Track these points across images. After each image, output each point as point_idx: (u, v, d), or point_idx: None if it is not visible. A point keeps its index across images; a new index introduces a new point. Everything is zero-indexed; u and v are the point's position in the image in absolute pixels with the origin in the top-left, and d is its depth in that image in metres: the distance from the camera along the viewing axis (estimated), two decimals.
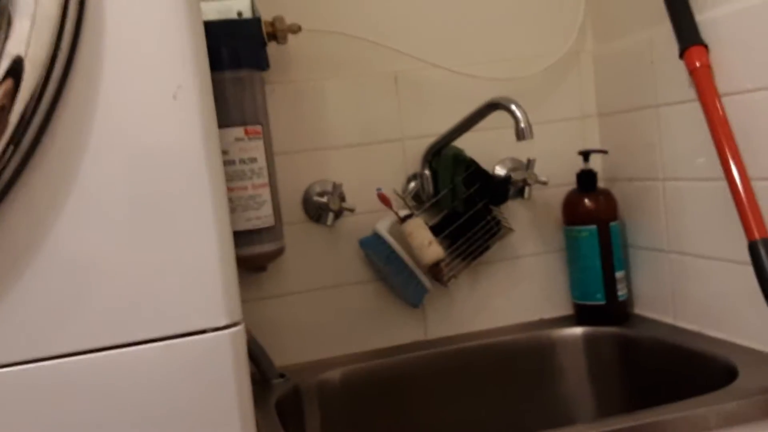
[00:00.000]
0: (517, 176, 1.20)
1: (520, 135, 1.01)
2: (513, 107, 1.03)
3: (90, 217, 0.57)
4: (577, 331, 1.21)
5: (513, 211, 1.24)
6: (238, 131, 1.02)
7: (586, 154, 1.22)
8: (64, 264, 0.56)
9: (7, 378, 0.57)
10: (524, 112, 1.02)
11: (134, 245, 0.58)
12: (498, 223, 1.19)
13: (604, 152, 1.25)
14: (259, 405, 0.98)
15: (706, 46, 1.00)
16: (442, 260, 1.12)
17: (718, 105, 0.98)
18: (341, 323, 1.19)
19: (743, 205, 0.93)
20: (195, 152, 0.58)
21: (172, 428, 0.59)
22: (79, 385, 0.59)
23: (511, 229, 1.20)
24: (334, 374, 1.12)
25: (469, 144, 1.18)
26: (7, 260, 0.55)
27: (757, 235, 0.91)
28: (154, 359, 0.60)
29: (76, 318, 0.58)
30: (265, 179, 1.04)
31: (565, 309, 1.27)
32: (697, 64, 1.00)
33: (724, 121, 0.98)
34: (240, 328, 0.63)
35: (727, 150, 0.96)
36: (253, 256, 1.05)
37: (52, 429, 0.57)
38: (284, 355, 1.14)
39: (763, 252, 0.90)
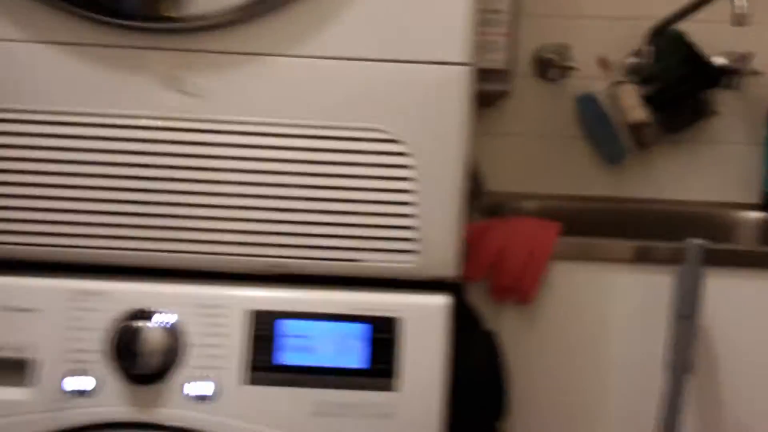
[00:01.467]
0: (732, 65, 1.31)
1: (735, 21, 1.09)
2: None
3: None
4: (758, 215, 1.30)
5: (723, 99, 1.34)
6: None
7: None
8: None
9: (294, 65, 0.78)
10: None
11: None
12: (705, 104, 1.31)
13: None
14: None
15: None
16: (645, 124, 1.28)
17: None
18: (546, 166, 1.38)
19: None
20: None
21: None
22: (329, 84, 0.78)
23: (715, 112, 1.32)
24: (531, 205, 1.32)
25: (694, 32, 1.30)
26: None
27: None
28: (398, 78, 0.79)
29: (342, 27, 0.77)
30: (504, 30, 1.21)
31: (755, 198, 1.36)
32: None
33: None
34: (471, 68, 0.80)
35: None
36: (482, 92, 1.17)
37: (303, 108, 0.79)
38: (492, 182, 1.33)
39: None
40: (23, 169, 0.80)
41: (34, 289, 0.80)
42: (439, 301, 0.81)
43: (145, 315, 0.79)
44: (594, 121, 1.35)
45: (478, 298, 0.97)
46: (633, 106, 1.28)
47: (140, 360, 0.77)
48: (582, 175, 1.39)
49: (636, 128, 1.30)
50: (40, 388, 0.79)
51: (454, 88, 0.78)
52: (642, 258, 0.98)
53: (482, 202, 1.30)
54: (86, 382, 0.79)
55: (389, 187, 0.79)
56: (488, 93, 1.28)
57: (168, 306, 0.80)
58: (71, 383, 0.79)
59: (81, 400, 0.79)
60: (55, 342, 0.79)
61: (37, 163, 0.79)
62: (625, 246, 0.99)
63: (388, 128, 0.79)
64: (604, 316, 0.98)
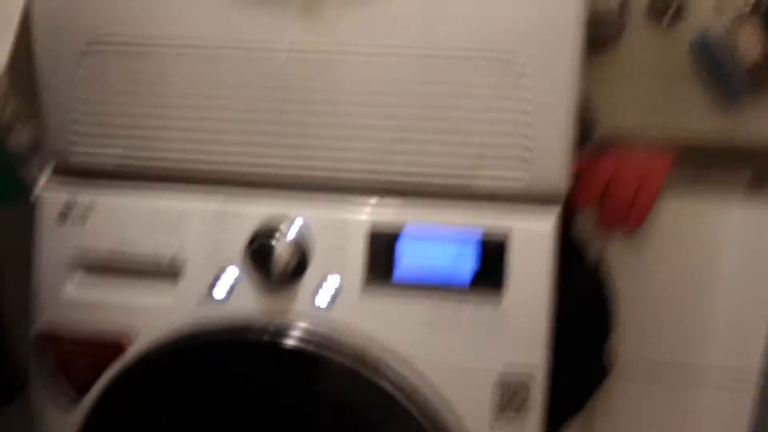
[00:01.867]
0: None
1: None
2: None
3: None
4: None
5: None
6: None
7: None
8: None
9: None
10: None
11: None
12: None
13: None
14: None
15: None
16: (764, 64, 1.26)
17: None
18: (660, 110, 1.32)
19: None
20: None
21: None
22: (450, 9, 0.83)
23: None
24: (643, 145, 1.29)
25: None
26: None
27: None
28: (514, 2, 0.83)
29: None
30: None
31: None
32: None
33: None
34: None
35: None
36: (595, 37, 1.19)
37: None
38: (603, 127, 1.28)
39: None
40: (180, 93, 0.89)
41: (184, 205, 0.91)
42: (548, 218, 0.85)
43: (278, 229, 0.88)
44: (710, 61, 1.33)
45: (587, 226, 1.01)
46: (752, 46, 1.26)
47: (272, 269, 0.86)
48: (698, 117, 1.38)
49: (755, 68, 1.28)
50: (186, 291, 0.90)
51: (569, 12, 0.81)
52: (754, 191, 0.98)
53: (593, 144, 1.32)
54: (226, 288, 0.89)
55: (504, 107, 0.83)
56: (601, 38, 1.29)
57: (297, 222, 0.88)
58: (214, 288, 0.89)
59: (221, 303, 0.89)
60: (201, 251, 0.89)
61: (190, 89, 0.88)
62: (739, 178, 0.99)
63: (504, 50, 0.83)
64: (713, 247, 1.00)
